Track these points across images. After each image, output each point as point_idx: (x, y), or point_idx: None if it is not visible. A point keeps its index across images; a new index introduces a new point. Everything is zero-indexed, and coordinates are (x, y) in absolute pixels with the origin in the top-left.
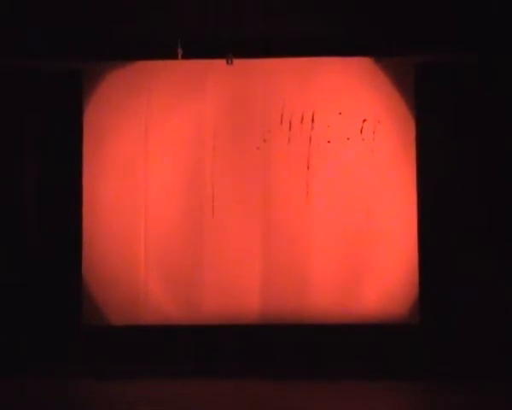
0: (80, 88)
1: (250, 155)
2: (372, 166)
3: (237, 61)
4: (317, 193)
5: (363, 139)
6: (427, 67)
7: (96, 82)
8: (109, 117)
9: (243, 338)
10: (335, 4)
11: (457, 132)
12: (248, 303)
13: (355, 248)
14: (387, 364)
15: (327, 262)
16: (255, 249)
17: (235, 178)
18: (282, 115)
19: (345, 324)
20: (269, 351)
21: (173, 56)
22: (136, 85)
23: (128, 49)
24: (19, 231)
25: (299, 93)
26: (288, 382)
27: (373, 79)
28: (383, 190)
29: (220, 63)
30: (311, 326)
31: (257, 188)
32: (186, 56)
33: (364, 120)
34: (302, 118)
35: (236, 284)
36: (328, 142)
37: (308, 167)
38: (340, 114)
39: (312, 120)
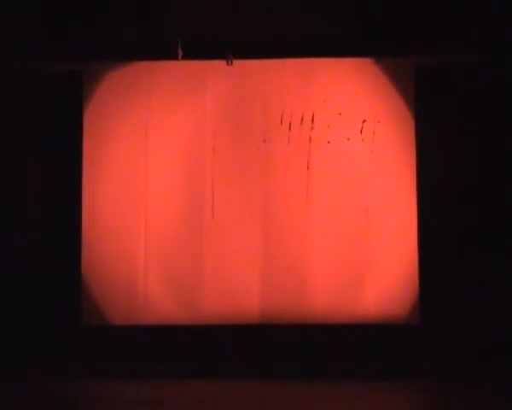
0: (80, 89)
1: (250, 155)
2: (372, 167)
3: (237, 62)
4: (317, 193)
5: (362, 140)
6: (427, 68)
7: (96, 83)
8: (109, 118)
9: (243, 339)
10: (335, 5)
11: (457, 133)
12: (248, 303)
13: (355, 248)
14: (388, 364)
15: (327, 262)
16: (255, 250)
17: (234, 179)
18: (282, 116)
19: (345, 324)
20: (269, 351)
21: (173, 57)
22: (136, 86)
23: (128, 49)
24: (18, 232)
25: (299, 94)
26: (288, 382)
27: (373, 80)
28: (383, 191)
29: (220, 64)
30: (310, 327)
31: (257, 188)
32: (186, 57)
33: (364, 121)
34: (302, 118)
35: (236, 284)
36: (328, 142)
37: (308, 168)
38: (339, 114)
39: (312, 121)
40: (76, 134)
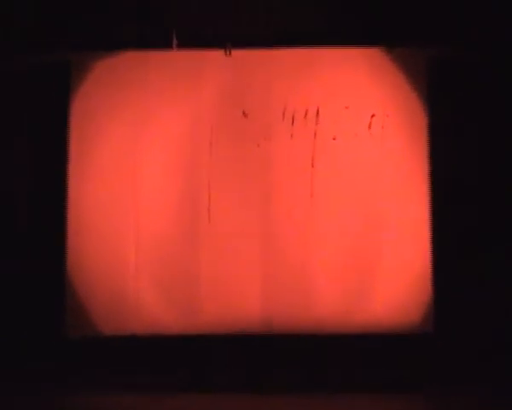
0: (68, 80)
1: (249, 153)
2: (381, 165)
3: (236, 52)
4: (323, 194)
5: (371, 135)
6: (440, 59)
7: (84, 74)
8: (98, 111)
9: (242, 350)
10: None
11: (472, 128)
12: (248, 312)
13: (363, 251)
14: (399, 376)
15: (333, 267)
16: (255, 255)
17: (233, 179)
18: (284, 110)
19: (352, 334)
20: (270, 363)
21: (168, 46)
22: (127, 78)
23: (119, 38)
24: None
25: (302, 86)
26: (291, 395)
27: (383, 71)
28: (393, 190)
29: (218, 54)
30: (315, 336)
31: (257, 189)
32: (181, 46)
33: (373, 115)
34: (306, 113)
35: (235, 292)
36: (334, 138)
37: (312, 166)
38: (346, 108)
39: (317, 115)
40: (62, 130)
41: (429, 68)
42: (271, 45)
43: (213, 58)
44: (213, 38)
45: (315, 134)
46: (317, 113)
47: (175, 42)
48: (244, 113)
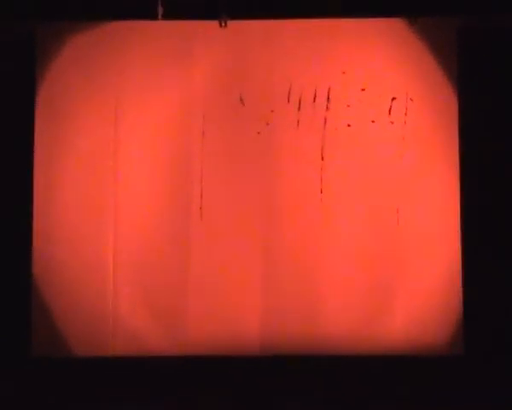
0: (33, 55)
1: (249, 141)
2: (403, 157)
3: (233, 23)
4: (334, 190)
5: (391, 122)
6: (473, 31)
7: (54, 48)
8: (70, 93)
9: (239, 373)
10: None
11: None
12: (245, 330)
13: (382, 260)
14: (424, 405)
15: (345, 278)
16: (254, 261)
17: (229, 172)
18: (289, 92)
19: (367, 356)
20: (270, 389)
21: (152, 16)
22: (105, 53)
23: (95, 5)
24: None
25: (310, 64)
26: None
27: (405, 46)
28: (417, 187)
29: (212, 25)
30: (323, 359)
31: (257, 184)
32: (168, 16)
33: (394, 99)
34: (315, 95)
35: (231, 304)
36: (348, 125)
37: (322, 158)
38: (363, 90)
39: (328, 99)
40: (26, 115)
41: (460, 42)
42: (274, 16)
43: (206, 30)
44: (206, 6)
45: (325, 121)
46: (328, 96)
47: (160, 10)
48: (242, 96)
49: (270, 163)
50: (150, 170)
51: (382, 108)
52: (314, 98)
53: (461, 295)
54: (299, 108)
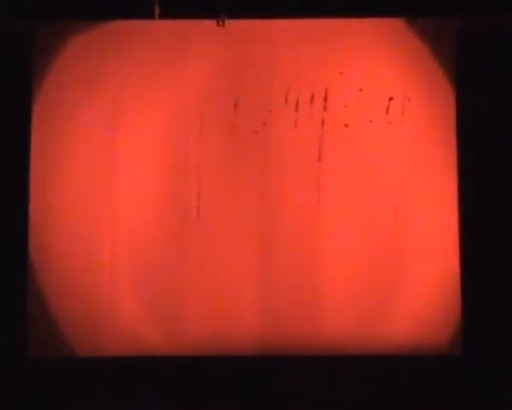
0: (32, 55)
1: (246, 141)
2: (401, 157)
3: (230, 23)
4: (332, 191)
5: (389, 122)
6: (472, 31)
7: (52, 48)
8: (68, 93)
9: (238, 375)
10: None
11: (510, 113)
12: (244, 330)
13: (380, 260)
14: (424, 404)
15: (344, 279)
16: (252, 261)
17: (226, 171)
18: (286, 92)
19: (367, 356)
20: (270, 390)
21: (149, 15)
22: (103, 53)
23: (94, 5)
24: None
25: (308, 64)
26: None
27: (403, 46)
28: (415, 188)
29: (209, 24)
30: (324, 359)
31: (254, 183)
32: (165, 15)
33: (391, 98)
34: (312, 95)
35: (229, 304)
36: (346, 125)
37: (320, 159)
38: (360, 90)
39: (325, 99)
40: (24, 115)
41: (458, 42)
42: (272, 15)
43: (203, 29)
44: (203, 5)
45: (323, 121)
46: (326, 96)
47: (157, 9)
48: (239, 96)
49: (268, 163)
50: (148, 170)
51: (380, 109)
52: (312, 98)
53: (459, 295)
54: (296, 109)
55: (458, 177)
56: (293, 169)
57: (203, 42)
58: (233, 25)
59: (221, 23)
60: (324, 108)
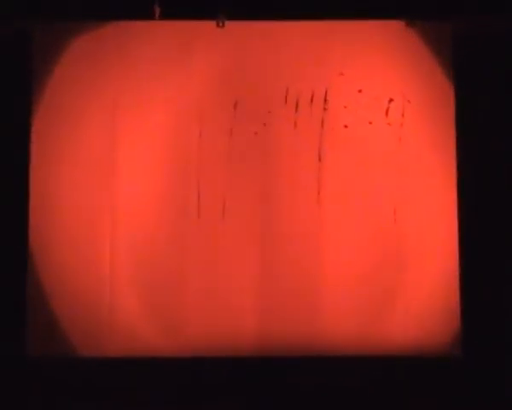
0: (31, 57)
1: (246, 142)
2: (401, 159)
3: (230, 24)
4: (331, 192)
5: (389, 124)
6: (470, 34)
7: (52, 48)
8: (68, 95)
9: (236, 375)
10: None
11: (509, 115)
12: (243, 330)
13: (379, 261)
14: (425, 404)
15: (344, 280)
16: (252, 261)
17: (226, 172)
18: (286, 93)
19: (366, 357)
20: (269, 391)
21: (149, 16)
22: (102, 54)
23: (94, 6)
24: None
25: (308, 65)
26: None
27: (403, 48)
28: (414, 188)
29: (209, 25)
30: (323, 360)
31: (254, 184)
32: (166, 17)
33: (391, 100)
34: (312, 96)
35: (229, 305)
36: (346, 127)
37: (320, 159)
38: (360, 91)
39: (325, 100)
40: (23, 117)
41: (457, 44)
42: (272, 16)
43: (203, 30)
44: (203, 6)
45: (322, 122)
46: (325, 97)
47: (157, 10)
48: (239, 97)
49: (268, 164)
50: (148, 170)
51: (379, 110)
52: (311, 99)
53: (459, 295)
54: (296, 109)
55: (458, 178)
56: (293, 169)
57: (203, 43)
58: (233, 26)
59: (221, 24)
60: (324, 109)
